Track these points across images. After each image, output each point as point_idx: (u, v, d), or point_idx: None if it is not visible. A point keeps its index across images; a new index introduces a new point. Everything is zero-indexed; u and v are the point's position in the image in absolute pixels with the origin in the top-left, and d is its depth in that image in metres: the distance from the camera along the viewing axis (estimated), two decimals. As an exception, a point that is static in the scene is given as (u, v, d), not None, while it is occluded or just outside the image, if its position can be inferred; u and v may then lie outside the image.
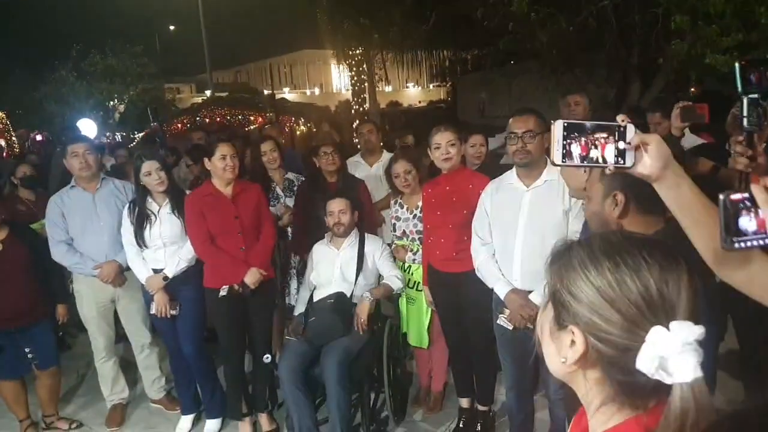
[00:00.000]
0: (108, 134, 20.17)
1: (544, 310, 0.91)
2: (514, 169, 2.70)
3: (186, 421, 3.59)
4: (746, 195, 0.95)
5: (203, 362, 3.49)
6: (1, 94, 23.20)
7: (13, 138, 18.39)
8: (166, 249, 3.36)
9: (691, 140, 3.37)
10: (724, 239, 0.95)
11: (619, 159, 1.10)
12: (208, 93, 23.37)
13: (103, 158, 5.99)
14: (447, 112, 16.41)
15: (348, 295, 3.25)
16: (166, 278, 3.33)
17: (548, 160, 2.59)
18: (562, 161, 1.11)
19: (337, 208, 3.32)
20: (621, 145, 1.10)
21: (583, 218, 2.34)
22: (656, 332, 0.75)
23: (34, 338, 3.47)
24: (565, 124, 1.10)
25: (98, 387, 3.79)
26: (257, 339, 3.42)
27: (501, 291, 2.70)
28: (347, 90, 21.98)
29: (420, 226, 3.37)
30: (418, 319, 3.47)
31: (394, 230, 3.54)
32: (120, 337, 3.91)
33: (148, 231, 3.34)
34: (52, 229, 3.48)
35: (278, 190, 4.01)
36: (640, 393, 0.80)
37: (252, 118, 13.73)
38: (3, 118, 20.32)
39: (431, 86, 30.18)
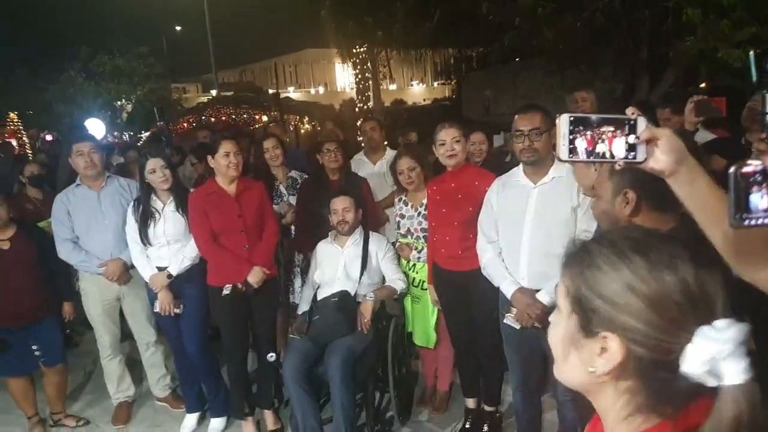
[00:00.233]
0: (116, 134, 20.25)
1: (563, 319, 0.83)
2: (520, 165, 2.67)
3: (191, 419, 3.58)
4: (759, 167, 0.89)
5: (207, 361, 3.48)
6: (12, 95, 23.33)
7: (25, 138, 18.51)
8: (170, 247, 3.36)
9: (703, 135, 3.32)
10: (732, 216, 0.90)
11: (630, 154, 1.07)
12: (213, 92, 23.41)
13: (112, 158, 6.02)
14: (451, 110, 16.35)
15: (352, 293, 3.23)
16: (170, 276, 3.32)
17: (555, 156, 2.57)
18: (569, 157, 1.08)
19: (341, 206, 3.30)
20: (631, 139, 1.06)
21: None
22: (705, 332, 0.69)
23: (42, 336, 3.48)
24: (571, 118, 1.07)
25: (105, 384, 3.79)
26: (261, 337, 3.40)
27: (507, 290, 2.67)
28: (351, 89, 21.95)
29: (425, 224, 3.34)
30: (424, 318, 3.45)
31: (399, 228, 3.52)
32: (126, 335, 3.91)
33: (153, 229, 3.34)
34: (57, 227, 3.48)
35: (282, 188, 4.00)
36: (676, 399, 0.74)
37: (257, 116, 13.75)
38: (15, 119, 20.46)
39: (436, 84, 30.11)
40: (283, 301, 3.81)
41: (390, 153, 4.25)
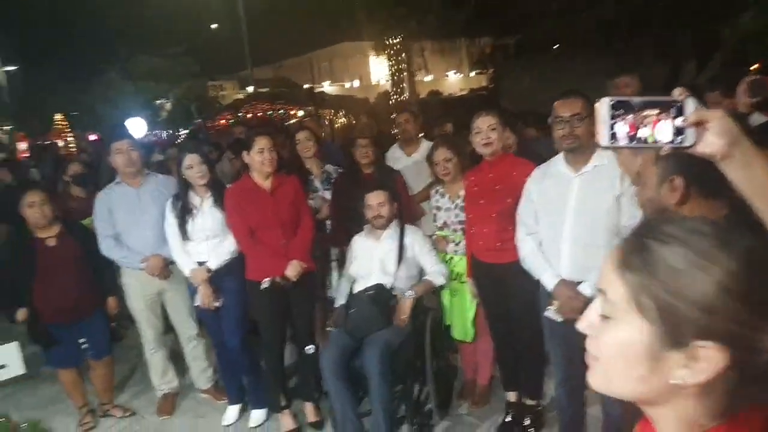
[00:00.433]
0: (156, 132, 20.74)
1: (623, 329, 0.74)
2: (561, 154, 2.59)
3: (232, 410, 3.64)
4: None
5: (247, 354, 3.52)
6: (58, 98, 24.15)
7: (70, 138, 19.18)
8: (208, 242, 3.40)
9: (757, 119, 3.16)
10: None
11: (677, 138, 1.00)
12: (250, 89, 23.70)
13: (153, 156, 6.16)
14: (489, 100, 16.14)
15: (388, 287, 3.21)
16: (209, 271, 3.36)
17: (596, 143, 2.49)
18: (609, 143, 1.02)
19: (375, 201, 3.28)
20: (678, 122, 1.00)
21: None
22: None
23: (88, 330, 3.59)
24: (612, 102, 1.01)
25: (150, 376, 3.88)
26: (300, 331, 3.42)
27: (549, 282, 2.60)
28: (386, 81, 21.92)
29: (462, 216, 3.29)
30: (462, 311, 3.40)
31: (435, 221, 3.47)
32: (169, 328, 3.99)
33: (191, 224, 3.38)
34: (99, 224, 3.56)
35: (316, 183, 4.00)
36: (745, 402, 0.69)
37: (292, 112, 13.85)
38: (62, 120, 21.22)
39: (473, 74, 29.74)
40: (320, 295, 3.82)
41: (425, 145, 4.20)
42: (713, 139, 0.98)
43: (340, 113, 14.94)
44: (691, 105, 0.99)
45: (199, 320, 3.73)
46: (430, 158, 3.38)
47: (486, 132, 2.92)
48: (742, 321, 0.66)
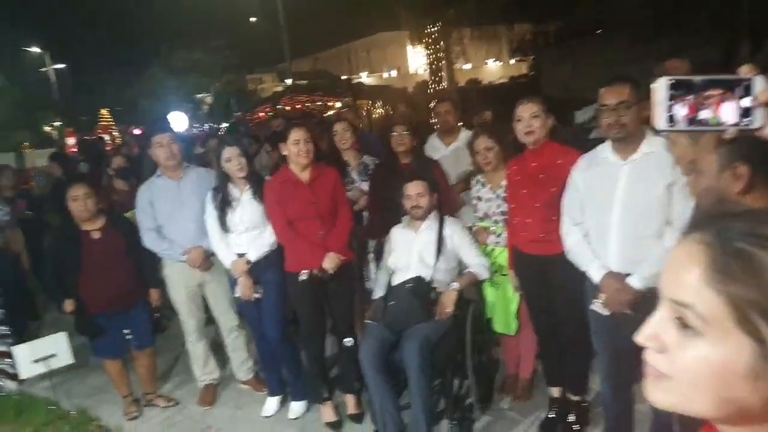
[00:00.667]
0: (197, 125, 21.14)
1: (719, 346, 0.65)
2: (608, 141, 2.48)
3: (272, 402, 3.65)
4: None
5: (287, 345, 3.52)
6: (103, 94, 24.88)
7: (115, 133, 19.77)
8: (248, 234, 3.41)
9: None
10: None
11: (743, 120, 0.92)
12: (289, 81, 23.88)
13: (194, 149, 6.25)
14: (529, 87, 15.82)
15: (427, 279, 3.15)
16: (249, 262, 3.37)
17: (646, 131, 2.36)
18: (668, 126, 0.94)
19: (414, 191, 3.22)
20: (746, 102, 0.91)
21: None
22: None
23: (132, 321, 3.66)
24: (671, 82, 0.93)
25: (192, 367, 3.93)
26: (339, 323, 3.41)
27: (595, 274, 2.50)
28: (424, 70, 21.74)
29: (504, 207, 3.20)
30: (504, 304, 3.32)
31: (476, 211, 3.39)
32: (210, 319, 4.04)
33: (231, 216, 3.40)
34: (141, 217, 3.62)
35: (353, 174, 3.96)
36: None
37: (330, 103, 13.89)
38: (106, 115, 21.90)
39: (512, 61, 29.24)
40: (358, 287, 3.80)
41: (464, 134, 4.11)
42: None
43: (378, 104, 14.90)
44: (760, 83, 0.90)
45: (239, 312, 3.76)
46: (471, 146, 3.29)
47: (528, 120, 2.82)
48: None
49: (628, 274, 2.41)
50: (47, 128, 30.49)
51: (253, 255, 3.38)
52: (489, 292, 3.39)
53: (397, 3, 13.48)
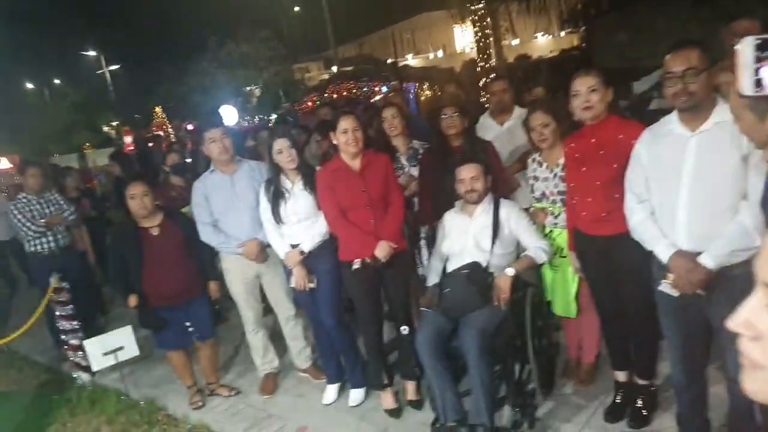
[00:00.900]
0: (247, 118, 21.51)
1: None
2: (674, 112, 2.32)
3: (332, 390, 3.68)
4: None
5: (344, 333, 3.53)
6: (157, 91, 25.63)
7: (170, 129, 20.37)
8: (301, 224, 3.42)
9: None
10: None
11: None
12: (335, 69, 23.93)
13: (246, 142, 6.34)
14: (581, 60, 15.24)
15: (484, 264, 3.07)
16: (302, 253, 3.38)
17: (718, 99, 2.20)
18: (755, 91, 0.84)
19: (468, 175, 3.12)
20: None
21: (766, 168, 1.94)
22: None
23: (193, 313, 3.75)
24: (758, 42, 0.83)
25: (252, 357, 4.00)
26: (395, 310, 3.39)
27: (663, 254, 2.36)
28: (471, 48, 21.32)
29: (561, 186, 3.07)
30: (564, 287, 3.20)
31: (533, 192, 3.27)
32: (268, 309, 4.09)
33: (284, 208, 3.41)
34: (197, 211, 3.69)
35: (402, 160, 3.90)
36: None
37: (376, 89, 13.82)
38: (160, 113, 22.59)
39: (562, 33, 28.29)
40: (413, 273, 3.75)
41: (517, 111, 3.97)
42: None
43: (425, 86, 14.73)
44: None
45: (296, 301, 3.79)
46: (526, 123, 3.17)
47: (585, 94, 2.67)
48: None
49: (698, 253, 2.27)
50: (106, 128, 31.80)
51: (307, 245, 3.39)
52: (547, 275, 3.29)
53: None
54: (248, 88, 25.27)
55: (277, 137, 3.44)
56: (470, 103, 5.29)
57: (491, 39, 14.20)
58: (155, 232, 3.61)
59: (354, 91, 14.58)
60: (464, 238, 3.17)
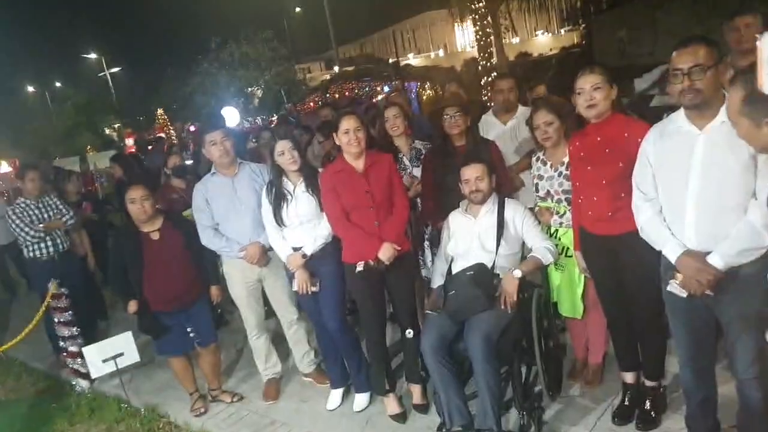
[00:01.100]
0: (249, 119, 21.47)
1: None
2: (681, 109, 2.27)
3: (336, 394, 3.64)
4: None
5: (347, 337, 3.49)
6: (158, 93, 25.61)
7: (172, 131, 20.37)
8: (303, 227, 3.38)
9: None
10: None
11: None
12: (336, 69, 23.89)
13: (248, 143, 6.30)
14: (581, 58, 15.17)
15: (489, 265, 3.02)
16: (305, 256, 3.34)
17: (726, 95, 2.15)
18: None
19: (473, 175, 3.08)
20: None
21: None
22: None
23: (194, 318, 3.71)
24: None
25: (255, 361, 3.96)
26: (400, 313, 3.34)
27: (672, 253, 2.31)
28: (472, 47, 21.25)
29: (566, 185, 3.03)
30: (570, 287, 3.16)
31: (537, 191, 3.23)
32: (271, 313, 4.05)
33: (286, 210, 3.38)
34: (198, 215, 3.65)
35: (405, 161, 3.86)
36: None
37: (378, 88, 13.79)
38: (162, 114, 22.57)
39: (563, 31, 28.20)
40: (417, 275, 3.71)
41: (521, 110, 3.93)
42: None
43: (427, 85, 14.68)
44: None
45: (299, 304, 3.75)
46: (529, 122, 3.13)
47: (589, 92, 2.63)
48: None
49: (707, 252, 2.22)
50: (108, 130, 31.82)
51: (309, 248, 3.35)
52: (553, 275, 3.25)
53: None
54: (250, 89, 25.21)
55: (279, 139, 3.41)
56: (472, 102, 5.23)
57: (492, 37, 14.16)
58: (155, 236, 3.58)
59: (356, 90, 14.54)
60: (469, 238, 3.13)
